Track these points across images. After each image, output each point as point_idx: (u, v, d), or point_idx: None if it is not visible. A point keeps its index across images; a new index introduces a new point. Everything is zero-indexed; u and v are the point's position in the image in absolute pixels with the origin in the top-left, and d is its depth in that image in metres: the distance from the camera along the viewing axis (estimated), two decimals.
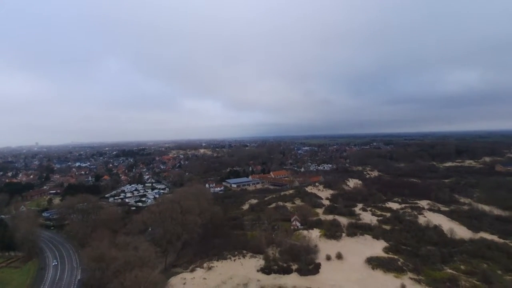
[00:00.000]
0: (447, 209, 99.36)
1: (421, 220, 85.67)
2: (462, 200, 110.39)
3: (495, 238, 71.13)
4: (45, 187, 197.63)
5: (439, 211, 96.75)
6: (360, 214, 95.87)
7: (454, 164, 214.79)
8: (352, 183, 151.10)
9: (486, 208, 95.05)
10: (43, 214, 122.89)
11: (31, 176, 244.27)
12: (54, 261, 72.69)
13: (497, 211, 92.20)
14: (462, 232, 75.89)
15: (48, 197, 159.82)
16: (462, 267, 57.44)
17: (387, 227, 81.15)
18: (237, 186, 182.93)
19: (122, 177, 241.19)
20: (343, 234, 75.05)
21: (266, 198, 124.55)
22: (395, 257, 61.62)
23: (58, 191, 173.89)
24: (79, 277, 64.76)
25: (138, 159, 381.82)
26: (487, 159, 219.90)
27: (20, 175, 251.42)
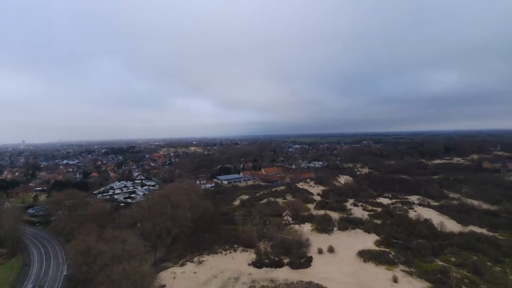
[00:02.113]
0: (436, 203, 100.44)
1: (412, 214, 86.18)
2: (451, 195, 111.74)
3: (484, 231, 71.97)
4: (31, 184, 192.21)
5: (429, 205, 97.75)
6: (351, 209, 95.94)
7: (442, 161, 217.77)
8: (343, 179, 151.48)
9: (475, 202, 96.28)
10: (28, 210, 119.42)
11: (17, 174, 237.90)
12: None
13: (485, 206, 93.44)
14: (452, 225, 76.60)
15: (34, 194, 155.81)
16: (452, 259, 57.79)
17: (378, 221, 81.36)
18: (228, 182, 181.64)
19: (111, 174, 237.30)
20: (335, 228, 74.85)
21: (257, 194, 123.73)
22: (387, 250, 61.62)
23: (45, 188, 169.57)
24: (65, 273, 62.92)
25: (127, 156, 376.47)
26: (475, 156, 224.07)
27: (5, 172, 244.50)
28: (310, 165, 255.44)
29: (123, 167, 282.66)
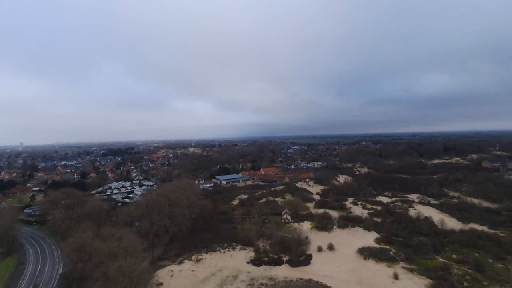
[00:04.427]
0: (436, 202, 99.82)
1: (412, 212, 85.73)
2: (451, 194, 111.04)
3: (485, 228, 71.28)
4: (28, 184, 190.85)
5: (429, 204, 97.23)
6: (351, 207, 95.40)
7: (442, 161, 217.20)
8: (342, 179, 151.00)
9: (475, 201, 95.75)
10: (25, 210, 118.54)
11: (14, 174, 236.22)
12: None
13: (486, 204, 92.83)
14: (452, 223, 75.99)
15: (31, 194, 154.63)
16: (453, 256, 57.21)
17: (378, 220, 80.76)
18: (226, 182, 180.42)
19: (109, 174, 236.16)
20: (334, 226, 74.30)
21: (256, 194, 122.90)
22: (387, 247, 61.08)
23: (42, 188, 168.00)
24: (60, 271, 61.93)
25: (126, 157, 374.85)
26: (474, 156, 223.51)
27: (3, 173, 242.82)
28: (309, 165, 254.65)
29: (121, 167, 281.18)
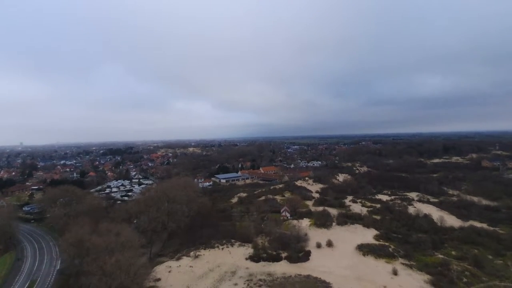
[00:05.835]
0: (436, 200, 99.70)
1: (411, 210, 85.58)
2: (451, 192, 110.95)
3: (484, 225, 71.33)
4: (27, 183, 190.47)
5: (428, 202, 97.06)
6: (350, 205, 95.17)
7: (441, 160, 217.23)
8: (342, 177, 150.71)
9: (475, 199, 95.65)
10: (23, 208, 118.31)
11: (13, 173, 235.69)
12: None
13: (485, 202, 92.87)
14: (452, 220, 75.84)
15: (30, 192, 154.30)
16: (453, 252, 57.08)
17: (377, 217, 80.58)
18: (226, 181, 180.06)
19: (109, 173, 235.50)
20: (334, 224, 74.18)
21: (255, 192, 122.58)
22: (386, 244, 60.85)
23: (41, 186, 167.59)
24: (58, 267, 61.63)
25: (125, 157, 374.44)
26: (474, 155, 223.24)
27: (2, 172, 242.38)
28: (308, 164, 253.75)
29: (120, 167, 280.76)
